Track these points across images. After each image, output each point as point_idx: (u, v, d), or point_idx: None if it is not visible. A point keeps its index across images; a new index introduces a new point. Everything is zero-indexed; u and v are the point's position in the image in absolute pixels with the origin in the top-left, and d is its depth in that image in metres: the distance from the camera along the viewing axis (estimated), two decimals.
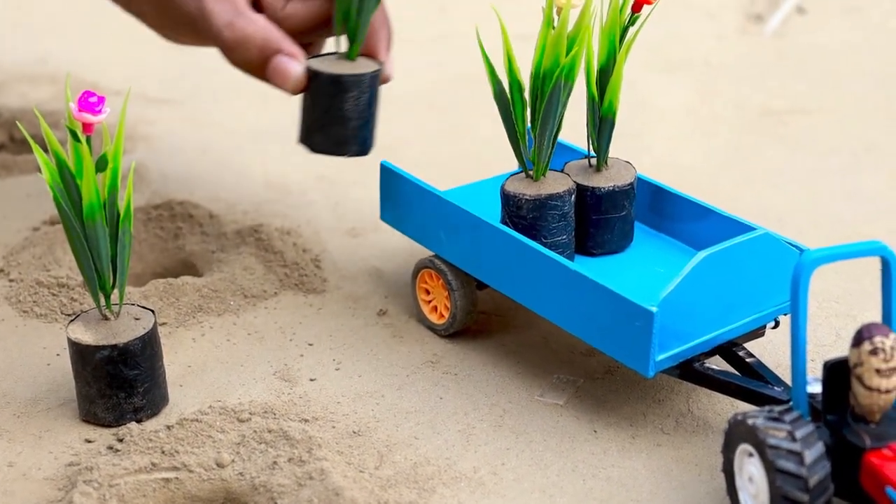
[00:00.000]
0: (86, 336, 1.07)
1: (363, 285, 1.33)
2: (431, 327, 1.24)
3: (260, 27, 1.12)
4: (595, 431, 1.09)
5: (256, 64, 1.14)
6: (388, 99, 1.85)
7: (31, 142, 1.06)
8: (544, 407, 1.12)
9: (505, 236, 1.12)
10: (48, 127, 1.04)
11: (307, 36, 1.19)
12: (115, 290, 1.09)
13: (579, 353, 1.20)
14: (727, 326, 1.06)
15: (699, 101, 1.85)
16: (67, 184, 1.05)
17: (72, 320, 1.09)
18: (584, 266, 1.08)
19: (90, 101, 1.03)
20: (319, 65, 1.13)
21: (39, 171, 1.57)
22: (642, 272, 1.16)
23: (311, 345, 1.22)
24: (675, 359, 1.04)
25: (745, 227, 1.13)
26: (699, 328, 1.05)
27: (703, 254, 1.03)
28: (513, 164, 1.42)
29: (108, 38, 2.12)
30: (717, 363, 1.11)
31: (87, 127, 1.03)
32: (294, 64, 1.12)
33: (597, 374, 1.17)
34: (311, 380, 1.16)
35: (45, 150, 1.15)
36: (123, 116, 1.07)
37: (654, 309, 1.00)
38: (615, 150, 1.22)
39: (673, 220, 1.21)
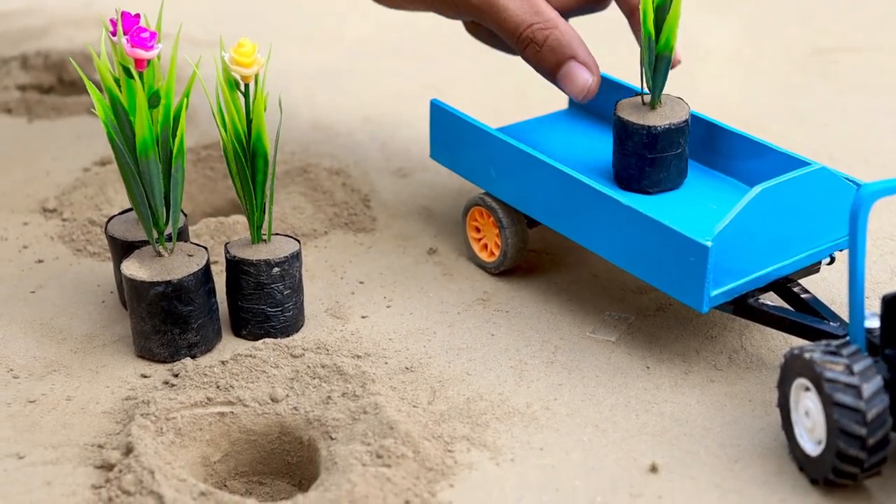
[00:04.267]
0: (140, 272, 1.08)
1: (412, 224, 1.33)
2: (482, 265, 1.24)
3: (559, 32, 1.11)
4: (648, 367, 1.08)
5: (549, 66, 1.13)
6: (433, 40, 1.85)
7: (85, 79, 1.06)
8: (596, 343, 1.12)
9: (557, 173, 1.12)
10: (101, 65, 1.04)
11: (572, 13, 1.19)
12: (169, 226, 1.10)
13: (630, 290, 1.20)
14: (782, 262, 1.06)
15: (747, 40, 1.83)
16: (121, 120, 1.05)
17: (126, 257, 1.10)
18: (637, 203, 1.08)
19: (142, 37, 1.03)
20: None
21: (91, 110, 1.58)
22: (696, 208, 1.15)
23: (361, 283, 1.22)
24: (730, 294, 1.03)
25: (800, 163, 1.12)
26: (754, 263, 1.04)
27: (758, 188, 1.02)
28: (557, 104, 1.41)
29: None
30: (770, 299, 1.11)
31: (139, 63, 1.04)
32: (586, 74, 1.11)
33: (648, 311, 1.16)
34: (363, 317, 1.17)
35: (99, 89, 1.16)
36: (175, 54, 1.07)
37: (708, 243, 0.99)
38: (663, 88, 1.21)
39: (726, 156, 1.20)
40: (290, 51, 1.82)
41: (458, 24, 1.91)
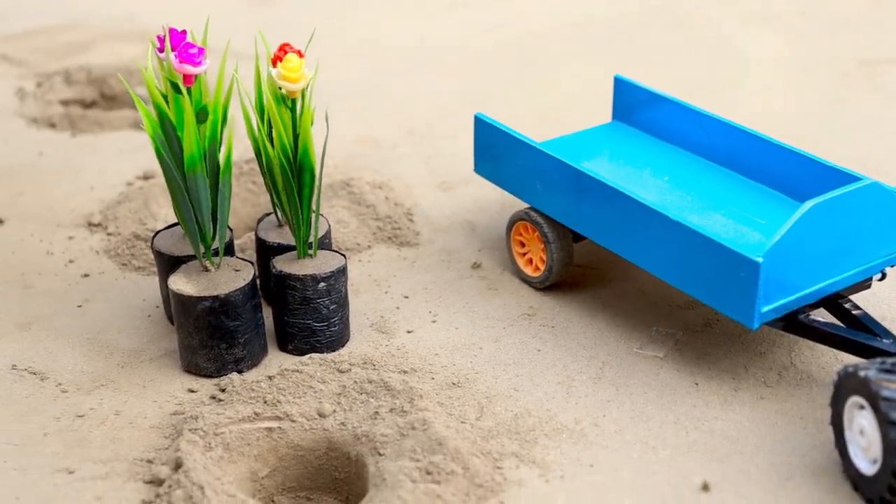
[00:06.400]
0: (188, 287, 1.08)
1: (456, 238, 1.32)
2: (526, 280, 1.23)
3: None
4: (696, 384, 1.07)
5: None
6: (475, 54, 1.85)
7: (133, 94, 1.06)
8: (644, 360, 1.11)
9: (604, 188, 1.11)
10: (150, 80, 1.04)
11: None
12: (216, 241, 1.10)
13: (677, 305, 1.19)
14: (833, 278, 1.04)
15: (794, 52, 1.82)
16: (168, 136, 1.05)
17: (173, 272, 1.10)
18: (684, 216, 1.07)
19: (190, 53, 1.03)
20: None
21: (135, 125, 1.58)
22: (744, 223, 1.14)
23: (406, 297, 1.22)
24: (780, 311, 1.02)
25: (849, 178, 1.11)
26: (805, 279, 1.03)
27: (809, 203, 1.01)
28: (601, 118, 1.41)
29: None
30: (821, 315, 1.09)
31: (187, 78, 1.04)
32: None
33: (696, 327, 1.15)
34: (409, 332, 1.16)
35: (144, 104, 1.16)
36: (223, 68, 1.07)
37: (759, 259, 0.98)
38: (708, 102, 1.20)
39: (774, 171, 1.19)
40: (333, 64, 1.82)
41: (501, 39, 1.90)
